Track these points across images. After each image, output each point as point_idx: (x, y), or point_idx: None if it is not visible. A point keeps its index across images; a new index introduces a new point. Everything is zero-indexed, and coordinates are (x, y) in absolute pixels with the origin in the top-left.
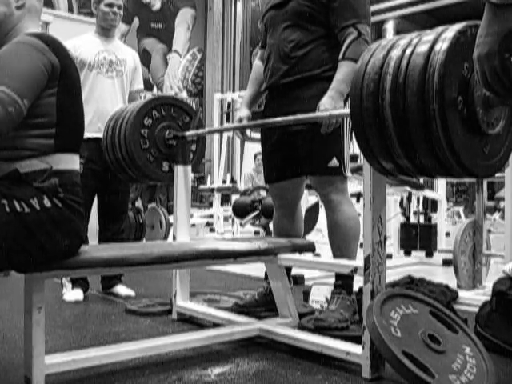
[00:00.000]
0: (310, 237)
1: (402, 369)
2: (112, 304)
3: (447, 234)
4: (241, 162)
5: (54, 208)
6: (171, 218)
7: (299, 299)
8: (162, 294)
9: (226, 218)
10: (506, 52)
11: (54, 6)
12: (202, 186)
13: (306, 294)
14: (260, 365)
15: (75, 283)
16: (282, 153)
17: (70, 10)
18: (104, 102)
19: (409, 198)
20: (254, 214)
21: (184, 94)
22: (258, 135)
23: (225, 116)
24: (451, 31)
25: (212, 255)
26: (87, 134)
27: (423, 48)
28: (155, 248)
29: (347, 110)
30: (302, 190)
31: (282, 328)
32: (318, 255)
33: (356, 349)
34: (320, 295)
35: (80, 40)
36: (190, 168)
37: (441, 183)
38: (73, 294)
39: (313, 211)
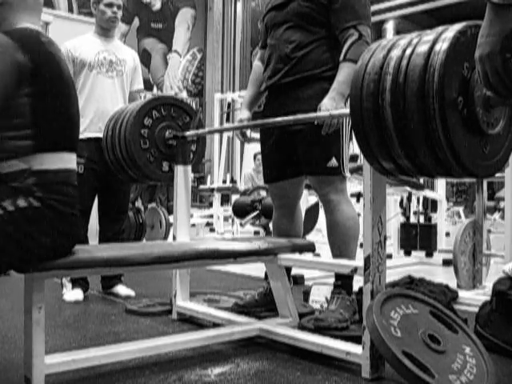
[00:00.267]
0: (310, 237)
1: (402, 369)
2: (112, 304)
3: (447, 234)
4: (241, 162)
5: (29, 208)
6: (171, 218)
7: (299, 299)
8: (161, 294)
9: (225, 218)
10: (507, 52)
11: (54, 6)
12: (201, 186)
13: (306, 294)
14: (260, 365)
15: (75, 283)
16: (281, 153)
17: (70, 10)
18: (104, 102)
19: (409, 198)
20: (254, 214)
21: (184, 94)
22: (257, 135)
23: (225, 116)
24: (451, 31)
25: (212, 255)
26: (88, 134)
27: (423, 48)
28: (155, 248)
29: (347, 110)
30: (301, 190)
31: (282, 328)
32: (317, 255)
33: (356, 349)
34: (320, 295)
35: (80, 40)
36: (190, 168)
37: (441, 183)
38: (73, 294)
39: (313, 211)
